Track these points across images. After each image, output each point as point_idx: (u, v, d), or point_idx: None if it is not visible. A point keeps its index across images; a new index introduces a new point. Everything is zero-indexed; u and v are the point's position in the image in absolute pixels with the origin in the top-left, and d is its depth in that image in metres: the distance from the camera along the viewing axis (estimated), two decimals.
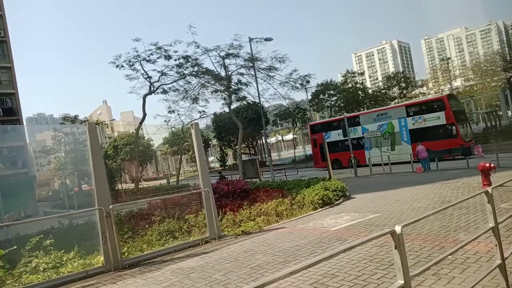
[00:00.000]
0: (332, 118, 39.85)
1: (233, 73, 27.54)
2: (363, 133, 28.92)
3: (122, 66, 27.13)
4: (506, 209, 7.78)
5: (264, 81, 27.57)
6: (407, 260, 2.59)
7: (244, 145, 52.89)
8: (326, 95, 47.43)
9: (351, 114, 33.86)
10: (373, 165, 22.42)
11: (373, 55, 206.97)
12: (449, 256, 4.81)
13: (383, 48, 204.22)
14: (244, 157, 39.86)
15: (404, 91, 51.28)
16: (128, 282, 6.09)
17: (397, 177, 18.16)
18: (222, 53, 26.38)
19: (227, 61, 26.85)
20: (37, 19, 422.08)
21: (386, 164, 21.40)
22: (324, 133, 30.50)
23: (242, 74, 27.55)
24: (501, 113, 48.17)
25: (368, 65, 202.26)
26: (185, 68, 27.60)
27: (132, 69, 27.48)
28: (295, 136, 66.19)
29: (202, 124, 39.30)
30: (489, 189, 3.76)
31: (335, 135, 30.20)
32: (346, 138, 25.09)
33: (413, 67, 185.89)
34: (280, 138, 78.06)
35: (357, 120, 30.19)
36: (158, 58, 27.00)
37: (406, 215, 8.89)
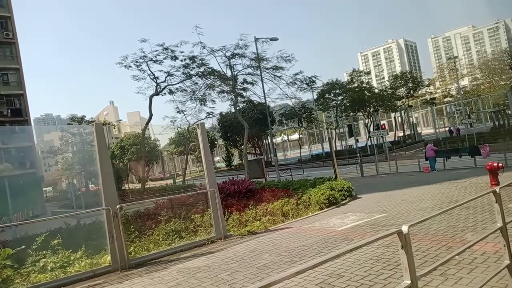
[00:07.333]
0: None
1: (239, 73, 27.55)
2: None
3: (130, 67, 27.25)
4: None
5: (270, 81, 27.53)
6: (413, 260, 2.58)
7: (250, 145, 52.84)
8: (332, 95, 47.16)
9: None
10: None
11: (379, 54, 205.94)
12: (456, 257, 4.78)
13: (390, 47, 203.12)
14: (250, 157, 39.87)
15: (412, 91, 50.84)
16: (135, 282, 6.12)
17: (403, 177, 18.06)
18: (228, 53, 26.41)
19: (233, 61, 26.86)
20: (46, 21, 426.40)
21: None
22: None
23: (248, 74, 27.54)
24: (509, 112, 47.66)
25: (375, 64, 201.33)
26: (191, 68, 27.65)
27: (139, 69, 27.59)
28: (300, 136, 66.02)
29: (208, 124, 39.39)
30: (497, 188, 3.74)
31: None
32: None
33: (419, 66, 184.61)
34: (285, 138, 77.92)
35: None
36: (164, 58, 27.07)
37: (413, 215, 8.84)
